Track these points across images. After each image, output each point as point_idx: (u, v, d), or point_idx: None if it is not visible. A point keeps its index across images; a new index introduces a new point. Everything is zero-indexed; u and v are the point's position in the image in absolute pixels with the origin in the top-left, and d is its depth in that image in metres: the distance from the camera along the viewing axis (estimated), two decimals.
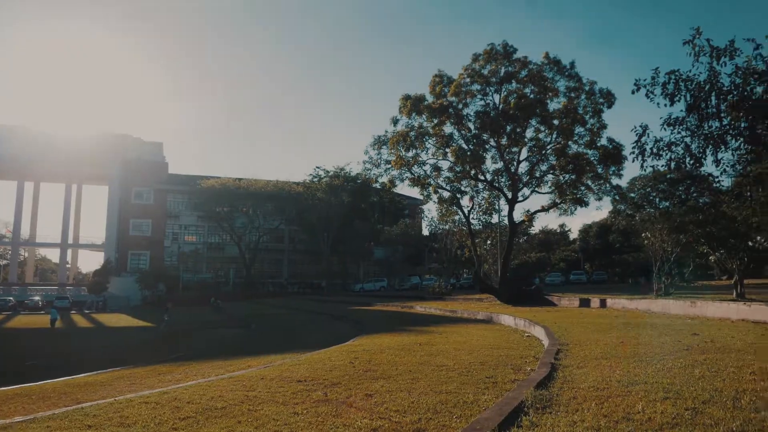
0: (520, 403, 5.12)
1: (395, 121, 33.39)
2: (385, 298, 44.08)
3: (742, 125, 16.15)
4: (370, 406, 5.74)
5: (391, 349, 10.74)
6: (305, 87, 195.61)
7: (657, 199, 58.03)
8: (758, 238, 24.69)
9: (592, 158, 31.07)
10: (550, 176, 33.40)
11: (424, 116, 32.46)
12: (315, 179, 71.03)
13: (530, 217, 36.92)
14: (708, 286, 39.74)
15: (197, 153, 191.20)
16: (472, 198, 36.41)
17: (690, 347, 8.10)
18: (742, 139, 16.80)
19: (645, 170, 18.55)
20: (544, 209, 34.94)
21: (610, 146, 30.41)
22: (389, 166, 33.96)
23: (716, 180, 18.08)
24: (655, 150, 17.72)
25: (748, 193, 26.81)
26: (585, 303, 24.53)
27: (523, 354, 9.40)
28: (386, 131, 34.65)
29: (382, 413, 5.40)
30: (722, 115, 16.19)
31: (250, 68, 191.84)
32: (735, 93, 16.17)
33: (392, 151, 33.33)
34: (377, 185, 41.69)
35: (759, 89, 16.27)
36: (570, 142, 31.10)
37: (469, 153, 31.21)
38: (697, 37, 16.41)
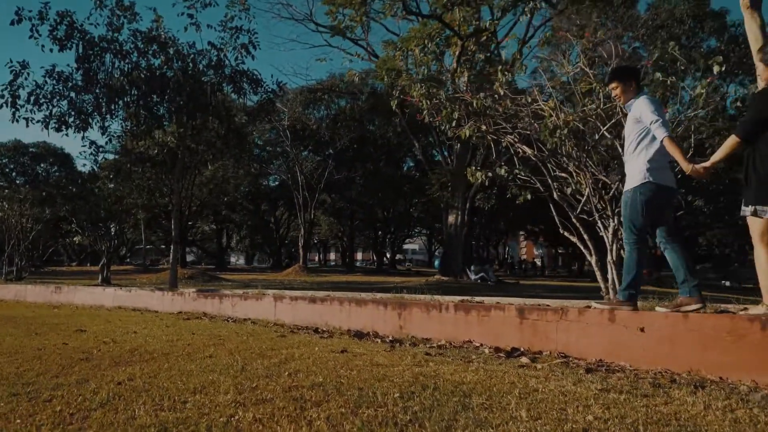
0: None
1: None
2: None
3: (134, 95, 14.88)
4: None
5: None
6: None
7: (14, 174, 51.44)
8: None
9: None
10: None
11: None
12: None
13: None
14: (61, 271, 37.29)
15: None
16: None
17: (90, 356, 5.03)
18: (132, 108, 15.49)
19: (18, 121, 14.74)
20: None
21: None
22: None
23: (101, 150, 16.16)
24: (34, 98, 14.26)
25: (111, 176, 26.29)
26: None
27: None
28: None
29: None
30: (116, 80, 14.43)
31: None
32: (134, 59, 14.76)
33: None
34: None
35: (157, 60, 15.37)
36: None
37: None
38: None
